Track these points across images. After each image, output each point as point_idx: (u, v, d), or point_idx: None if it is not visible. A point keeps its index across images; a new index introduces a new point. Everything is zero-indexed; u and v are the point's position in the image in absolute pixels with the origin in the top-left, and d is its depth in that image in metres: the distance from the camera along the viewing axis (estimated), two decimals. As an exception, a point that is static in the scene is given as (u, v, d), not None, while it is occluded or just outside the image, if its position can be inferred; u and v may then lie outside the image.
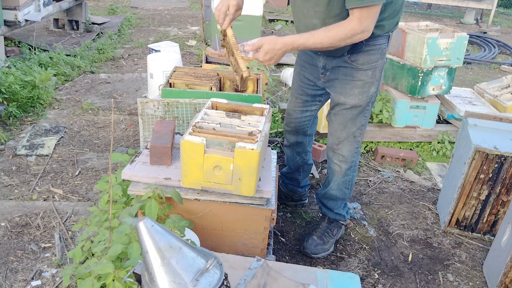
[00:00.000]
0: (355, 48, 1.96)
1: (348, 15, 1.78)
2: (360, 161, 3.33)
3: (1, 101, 3.45)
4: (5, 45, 4.52)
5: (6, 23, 4.34)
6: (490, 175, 2.42)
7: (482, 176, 2.43)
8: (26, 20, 4.56)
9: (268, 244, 2.11)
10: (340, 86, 2.08)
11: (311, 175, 2.97)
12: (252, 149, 1.71)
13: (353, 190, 2.40)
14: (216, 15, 1.95)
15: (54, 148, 3.22)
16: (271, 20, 7.56)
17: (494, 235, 2.54)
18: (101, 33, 6.14)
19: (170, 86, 2.57)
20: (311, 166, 2.67)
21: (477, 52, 6.75)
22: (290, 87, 4.41)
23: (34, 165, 3.00)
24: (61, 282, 2.07)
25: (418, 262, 2.41)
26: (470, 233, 2.61)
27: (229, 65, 3.47)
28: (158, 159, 1.99)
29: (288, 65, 5.15)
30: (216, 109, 2.06)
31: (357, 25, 1.74)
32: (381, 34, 1.96)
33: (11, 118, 3.47)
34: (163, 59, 3.63)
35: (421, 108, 3.44)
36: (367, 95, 2.05)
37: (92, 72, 4.79)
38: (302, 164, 2.58)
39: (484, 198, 2.49)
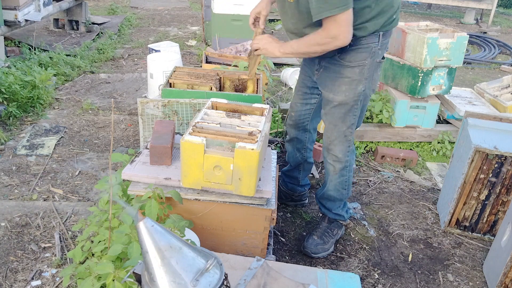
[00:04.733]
0: (344, 47, 2.01)
1: (320, 24, 1.89)
2: (360, 161, 3.34)
3: (1, 101, 3.45)
4: (5, 45, 4.51)
5: (6, 23, 4.34)
6: (490, 175, 2.42)
7: (482, 176, 2.43)
8: (26, 20, 4.56)
9: (268, 244, 2.11)
10: (330, 83, 2.13)
11: (311, 175, 2.97)
12: (252, 149, 1.71)
13: (351, 190, 2.41)
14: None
15: (54, 148, 3.22)
16: (271, 20, 7.56)
17: (494, 235, 2.54)
18: (101, 33, 6.14)
19: (170, 86, 2.57)
20: (311, 165, 2.68)
21: (477, 52, 6.75)
22: (290, 87, 4.42)
23: (34, 165, 3.00)
24: (61, 282, 2.07)
25: (418, 262, 2.41)
26: (470, 233, 2.61)
27: (229, 65, 3.48)
28: (158, 159, 1.99)
29: (288, 65, 5.15)
30: (216, 109, 2.06)
31: (328, 31, 1.86)
32: (365, 35, 1.98)
33: (11, 118, 3.47)
34: (163, 59, 3.63)
35: (421, 108, 3.44)
36: (354, 92, 2.08)
37: (92, 72, 4.79)
38: (302, 161, 2.59)
39: (484, 198, 2.49)
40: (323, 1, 1.75)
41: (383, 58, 2.13)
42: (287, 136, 2.58)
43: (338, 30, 1.83)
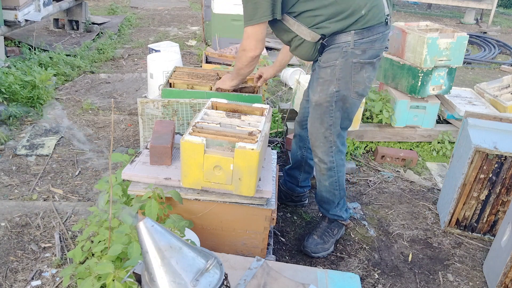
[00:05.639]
0: (322, 49, 2.08)
1: (281, 29, 2.08)
2: (360, 161, 3.34)
3: (1, 101, 3.45)
4: (5, 45, 4.52)
5: (6, 23, 4.34)
6: (490, 175, 2.42)
7: (482, 176, 2.43)
8: (26, 20, 4.56)
9: (268, 244, 2.11)
10: (313, 84, 2.19)
11: (313, 176, 2.96)
12: (252, 149, 1.71)
13: (344, 191, 2.38)
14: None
15: (54, 148, 3.22)
16: (271, 20, 7.55)
17: (494, 235, 2.54)
18: (101, 33, 6.14)
19: (170, 86, 2.57)
20: (313, 168, 2.67)
21: (477, 52, 6.75)
22: (290, 87, 4.42)
23: (34, 165, 3.00)
24: (61, 282, 2.07)
25: (418, 262, 2.41)
26: (470, 233, 2.61)
27: (229, 65, 3.48)
28: (158, 159, 1.99)
29: (288, 65, 5.14)
30: (216, 109, 2.06)
31: (241, 44, 2.06)
32: (327, 34, 2.00)
33: (11, 118, 3.47)
34: (163, 59, 3.63)
35: (421, 108, 3.44)
36: (326, 93, 2.10)
37: (92, 72, 4.79)
38: (301, 160, 2.59)
39: (484, 198, 2.49)
40: (244, 15, 1.96)
41: (376, 58, 2.07)
42: (294, 131, 2.63)
43: (245, 42, 2.02)
